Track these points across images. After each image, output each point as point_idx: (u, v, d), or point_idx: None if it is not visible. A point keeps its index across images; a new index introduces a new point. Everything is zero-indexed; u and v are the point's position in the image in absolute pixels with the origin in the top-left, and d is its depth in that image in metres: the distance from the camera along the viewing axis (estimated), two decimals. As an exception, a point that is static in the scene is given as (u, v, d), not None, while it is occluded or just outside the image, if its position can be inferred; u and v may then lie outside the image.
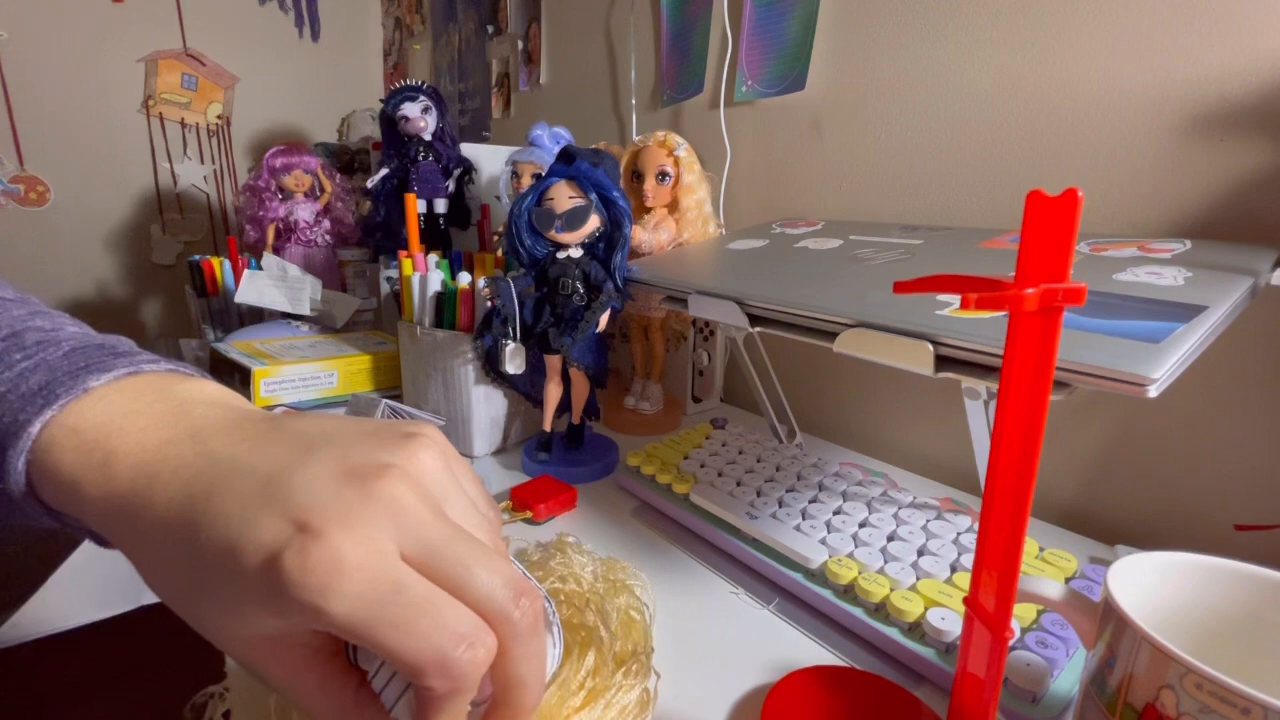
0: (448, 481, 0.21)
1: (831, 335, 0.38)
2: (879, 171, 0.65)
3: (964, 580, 0.39)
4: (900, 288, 0.26)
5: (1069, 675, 0.33)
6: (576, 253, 0.55)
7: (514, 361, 0.56)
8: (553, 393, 0.60)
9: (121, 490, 0.20)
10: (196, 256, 0.93)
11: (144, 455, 0.20)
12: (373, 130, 1.49)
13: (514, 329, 0.56)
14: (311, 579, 0.17)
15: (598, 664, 0.30)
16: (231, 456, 0.20)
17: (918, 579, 0.39)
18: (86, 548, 0.46)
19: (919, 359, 0.33)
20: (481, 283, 0.59)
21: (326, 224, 1.02)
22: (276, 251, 0.98)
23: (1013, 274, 0.22)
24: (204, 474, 0.19)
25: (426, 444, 0.21)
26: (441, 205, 0.90)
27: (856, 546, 0.42)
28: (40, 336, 0.24)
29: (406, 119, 0.86)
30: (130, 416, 0.21)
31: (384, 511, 0.18)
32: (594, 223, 0.54)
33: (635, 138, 0.68)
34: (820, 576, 0.41)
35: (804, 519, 0.45)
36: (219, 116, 1.62)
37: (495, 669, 0.19)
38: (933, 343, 0.33)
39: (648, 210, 0.67)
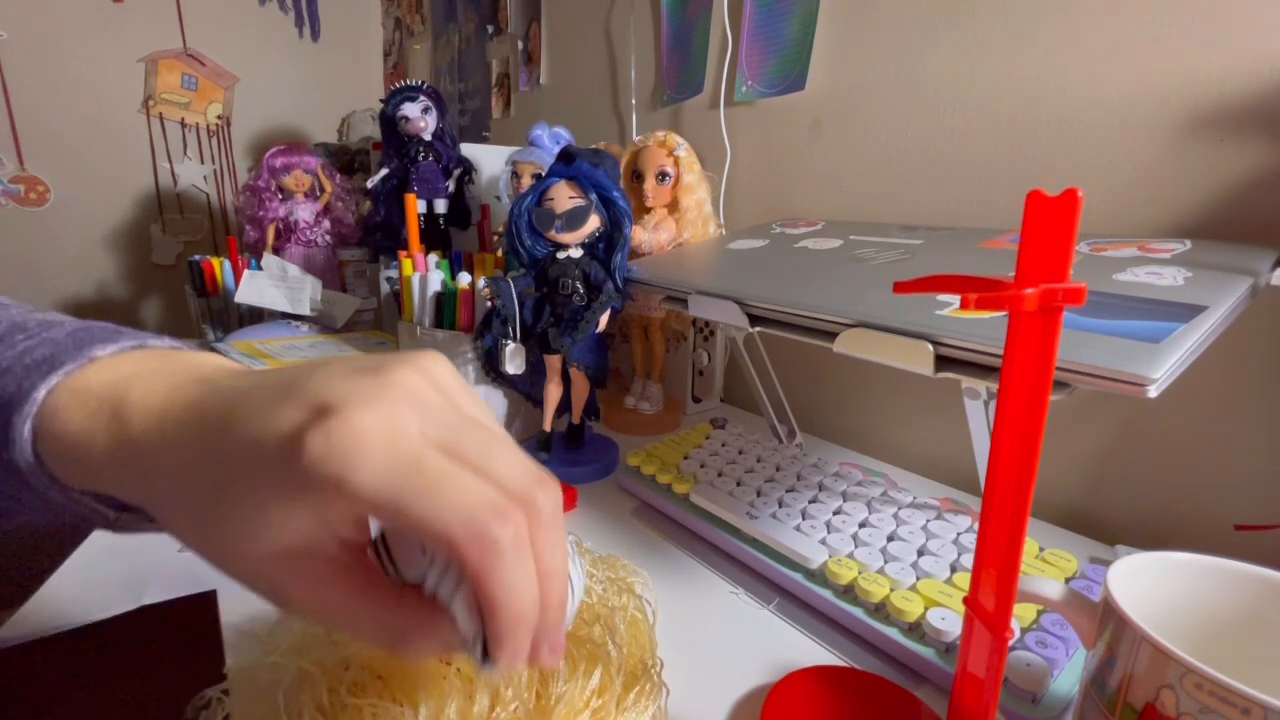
0: (459, 384, 0.21)
1: (831, 335, 0.38)
2: (879, 171, 0.65)
3: (964, 580, 0.39)
4: (900, 288, 0.26)
5: (1069, 675, 0.33)
6: (576, 253, 0.55)
7: (514, 361, 0.56)
8: (553, 393, 0.60)
9: (134, 434, 0.19)
10: (196, 256, 0.93)
11: (153, 400, 0.20)
12: (373, 130, 1.48)
13: (514, 329, 0.56)
14: (335, 451, 0.16)
15: (604, 682, 0.29)
16: (243, 385, 0.20)
17: (918, 579, 0.39)
18: (87, 547, 0.46)
19: (919, 359, 0.33)
20: (481, 283, 0.59)
21: (326, 224, 1.02)
22: (276, 251, 0.98)
23: (1013, 274, 0.22)
24: (217, 400, 0.19)
25: (435, 356, 0.21)
26: (441, 205, 0.90)
27: (856, 546, 0.42)
28: (42, 321, 0.24)
29: (406, 119, 0.86)
30: (138, 377, 0.21)
31: (403, 396, 0.18)
32: (594, 223, 0.54)
33: (635, 138, 0.68)
34: (820, 576, 0.41)
35: (804, 519, 0.45)
36: (219, 116, 1.62)
37: None
38: (933, 343, 0.33)
39: (648, 210, 0.67)
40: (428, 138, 0.88)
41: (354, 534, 0.19)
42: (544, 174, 0.55)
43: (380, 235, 0.93)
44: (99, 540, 0.48)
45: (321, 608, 0.19)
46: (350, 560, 0.19)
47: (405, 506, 0.17)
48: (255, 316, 0.90)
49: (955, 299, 0.35)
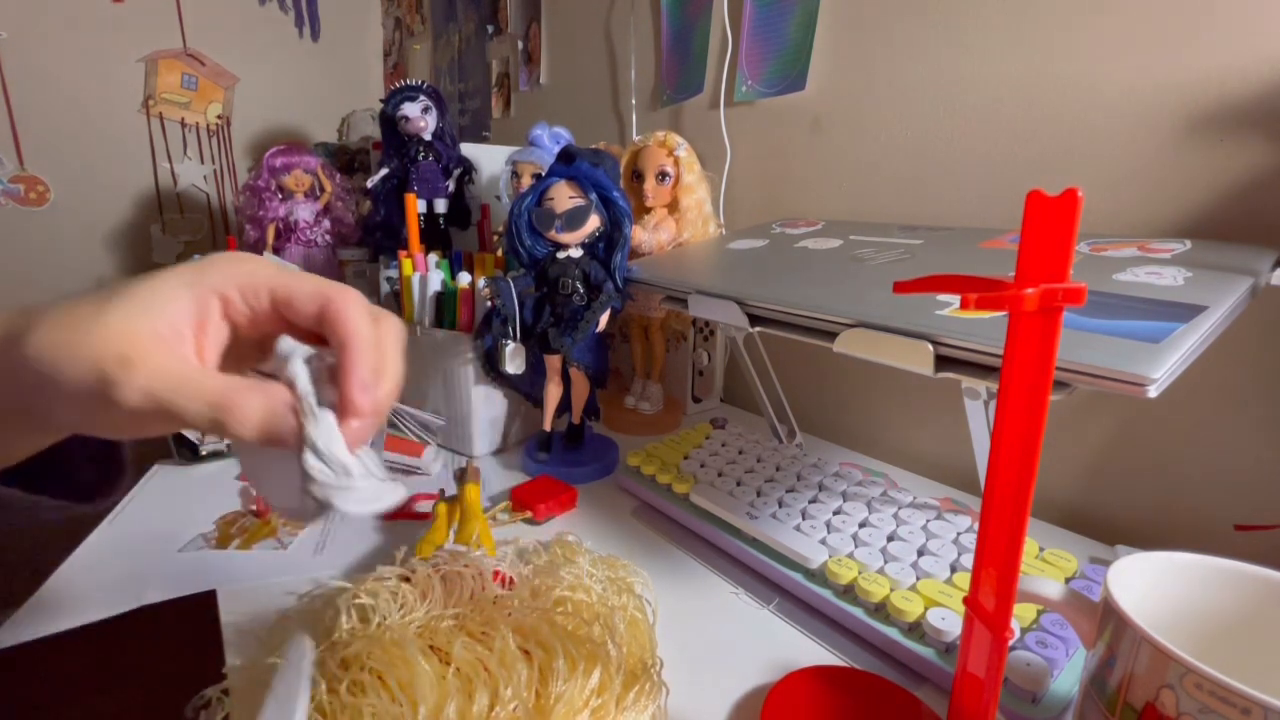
0: None
1: (831, 335, 0.38)
2: (879, 171, 0.65)
3: (964, 580, 0.39)
4: (900, 288, 0.26)
5: (1069, 675, 0.33)
6: (576, 253, 0.55)
7: (514, 361, 0.56)
8: (553, 393, 0.60)
9: (26, 308, 0.21)
10: (196, 256, 0.93)
11: (41, 308, 0.21)
12: (373, 130, 1.48)
13: (514, 329, 0.56)
14: (237, 255, 0.23)
15: (603, 681, 0.29)
16: None
17: (918, 579, 0.39)
18: (87, 547, 0.46)
19: (919, 359, 0.33)
20: (481, 283, 0.59)
21: (326, 224, 1.02)
22: (276, 251, 0.98)
23: (1013, 274, 0.22)
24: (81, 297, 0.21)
25: None
26: (441, 205, 0.90)
27: (856, 546, 0.42)
28: None
29: (406, 119, 0.86)
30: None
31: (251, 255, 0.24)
32: (594, 223, 0.54)
33: (635, 138, 0.68)
34: (820, 576, 0.41)
35: (804, 519, 0.45)
36: (219, 116, 1.62)
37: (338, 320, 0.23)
38: (933, 343, 0.33)
39: (648, 210, 0.67)
40: (428, 137, 0.88)
41: (213, 331, 0.22)
42: (544, 174, 0.55)
43: (380, 235, 0.93)
44: (99, 540, 0.48)
45: (164, 375, 0.20)
46: (195, 345, 0.22)
47: (290, 280, 0.22)
48: (255, 316, 0.90)
49: (955, 299, 0.35)
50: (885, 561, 0.41)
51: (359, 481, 0.21)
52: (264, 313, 0.23)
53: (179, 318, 0.21)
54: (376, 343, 0.23)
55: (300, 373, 0.22)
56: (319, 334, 0.23)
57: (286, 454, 0.21)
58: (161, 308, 0.20)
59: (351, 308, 0.22)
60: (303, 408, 0.21)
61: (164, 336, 0.20)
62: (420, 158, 0.88)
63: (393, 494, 0.22)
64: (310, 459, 0.21)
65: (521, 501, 0.51)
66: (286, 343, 0.22)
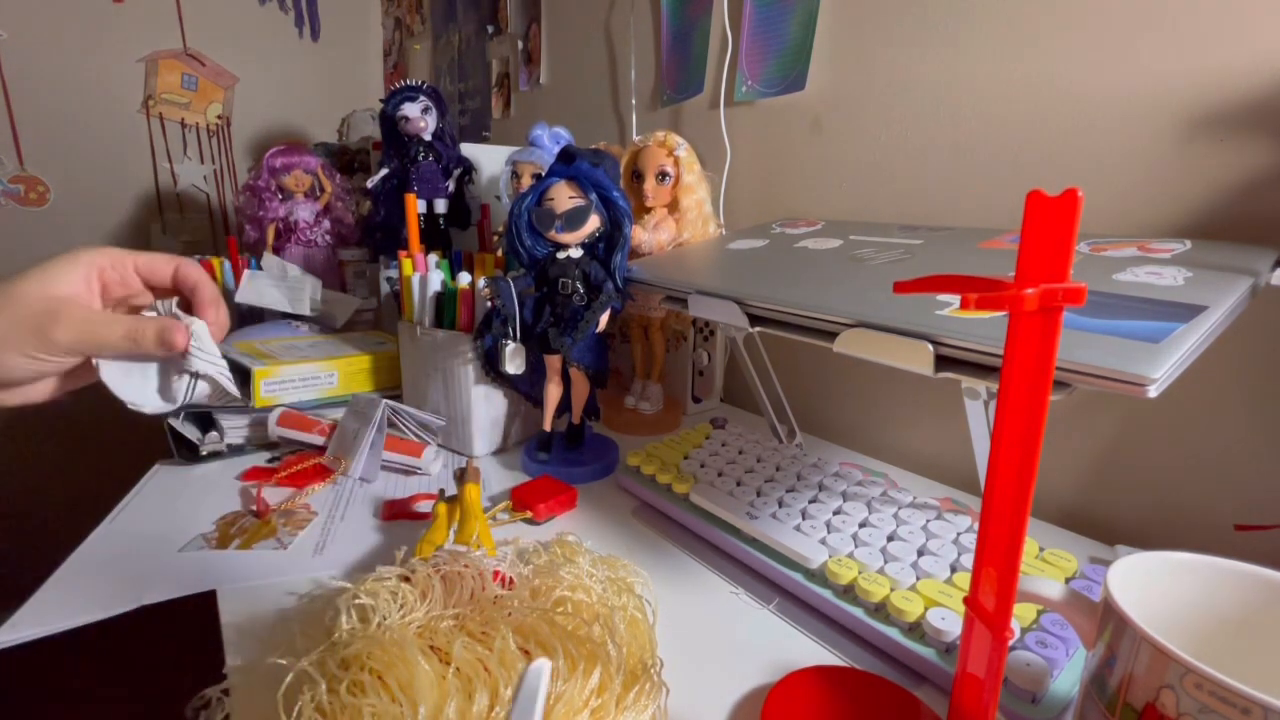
0: None
1: (831, 335, 0.38)
2: (879, 171, 0.65)
3: (964, 580, 0.39)
4: (900, 288, 0.26)
5: (1069, 675, 0.33)
6: (576, 253, 0.55)
7: (514, 361, 0.56)
8: (553, 393, 0.60)
9: None
10: (196, 256, 0.93)
11: None
12: (373, 130, 1.48)
13: (514, 329, 0.56)
14: (100, 247, 0.33)
15: (603, 681, 0.29)
16: None
17: (918, 579, 0.39)
18: (87, 547, 0.46)
19: (919, 359, 0.33)
20: (481, 283, 0.59)
21: (326, 224, 1.02)
22: (276, 251, 0.98)
23: (1013, 274, 0.22)
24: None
25: None
26: (441, 205, 0.90)
27: (856, 546, 0.42)
28: None
29: (406, 119, 0.86)
30: None
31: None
32: (594, 223, 0.54)
33: (635, 138, 0.68)
34: (820, 576, 0.41)
35: (804, 519, 0.45)
36: (219, 116, 1.62)
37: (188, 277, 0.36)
38: (933, 343, 0.33)
39: (648, 210, 0.67)
40: (428, 138, 0.88)
41: (95, 289, 0.33)
42: (544, 174, 0.55)
43: (380, 235, 0.93)
44: (99, 540, 0.48)
45: (88, 318, 0.31)
46: (87, 299, 0.33)
47: (146, 255, 0.35)
48: (255, 316, 0.90)
49: (955, 299, 0.35)
50: (885, 561, 0.41)
51: (222, 362, 0.35)
52: (129, 276, 0.34)
53: (76, 283, 0.32)
54: (211, 284, 0.36)
55: (176, 311, 0.35)
56: (167, 290, 0.35)
57: (149, 363, 0.34)
58: (68, 278, 0.32)
59: (194, 266, 0.35)
60: (185, 323, 0.33)
61: (72, 297, 0.31)
62: (420, 158, 0.88)
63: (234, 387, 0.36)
64: (195, 349, 0.33)
65: (521, 501, 0.51)
66: (159, 302, 0.35)
